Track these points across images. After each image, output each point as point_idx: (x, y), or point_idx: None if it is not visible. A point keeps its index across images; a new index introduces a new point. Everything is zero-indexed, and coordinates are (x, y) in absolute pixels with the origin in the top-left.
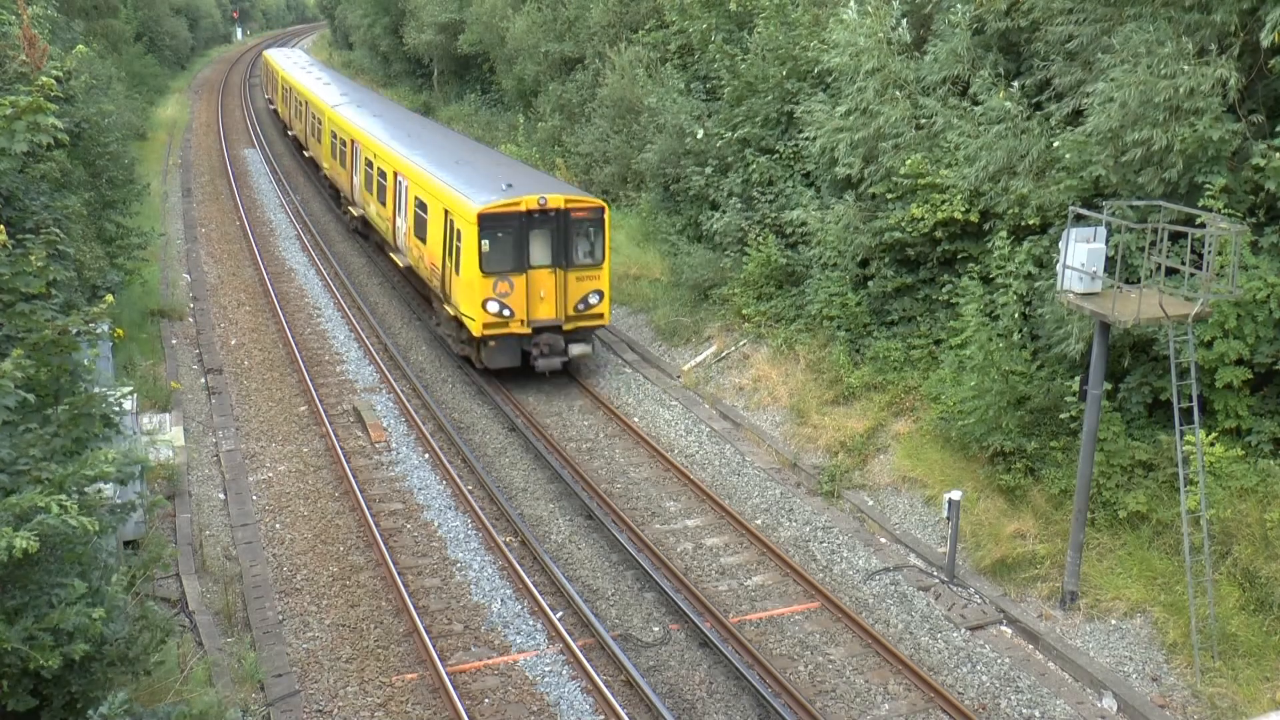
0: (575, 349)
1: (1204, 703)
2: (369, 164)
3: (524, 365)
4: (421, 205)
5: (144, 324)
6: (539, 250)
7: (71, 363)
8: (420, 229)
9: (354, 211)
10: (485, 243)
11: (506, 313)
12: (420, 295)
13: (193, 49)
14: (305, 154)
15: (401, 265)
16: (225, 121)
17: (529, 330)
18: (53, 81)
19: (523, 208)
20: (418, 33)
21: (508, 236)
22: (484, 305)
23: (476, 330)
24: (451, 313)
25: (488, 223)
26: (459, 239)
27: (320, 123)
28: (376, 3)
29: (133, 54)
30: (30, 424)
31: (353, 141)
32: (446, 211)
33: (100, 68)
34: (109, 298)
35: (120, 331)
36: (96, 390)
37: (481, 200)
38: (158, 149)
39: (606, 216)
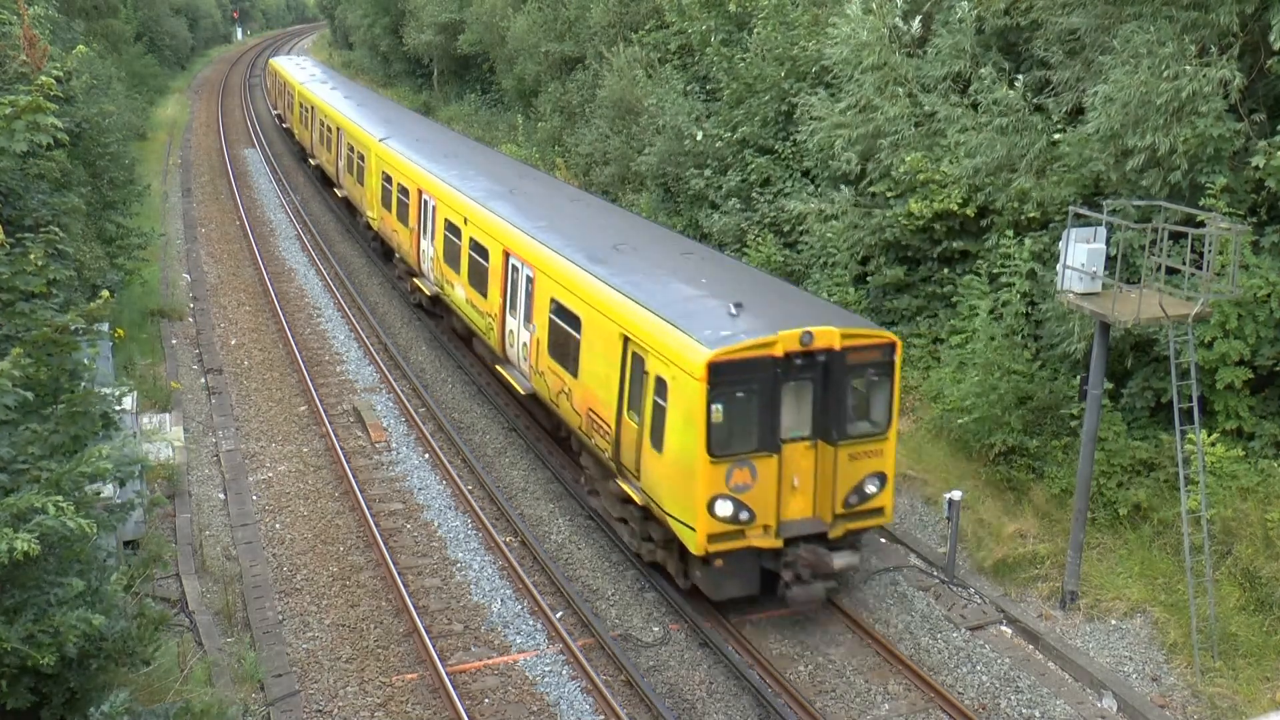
0: (840, 560)
1: (1204, 703)
2: (453, 230)
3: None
4: (565, 314)
5: (144, 324)
6: (795, 414)
7: (71, 362)
8: (563, 349)
9: (422, 286)
10: (718, 408)
11: (744, 516)
12: (541, 424)
13: (193, 49)
14: (337, 192)
15: (522, 390)
16: (225, 121)
17: (778, 541)
18: (52, 81)
19: (778, 350)
20: (418, 33)
21: (752, 396)
22: (710, 507)
23: (696, 545)
24: (636, 498)
25: (724, 377)
26: (663, 394)
27: (364, 159)
28: (376, 3)
29: (133, 54)
30: (30, 423)
31: (420, 192)
32: (628, 340)
33: (100, 68)
34: (105, 294)
35: (120, 331)
36: (95, 389)
37: (709, 338)
38: (158, 149)
39: (897, 357)
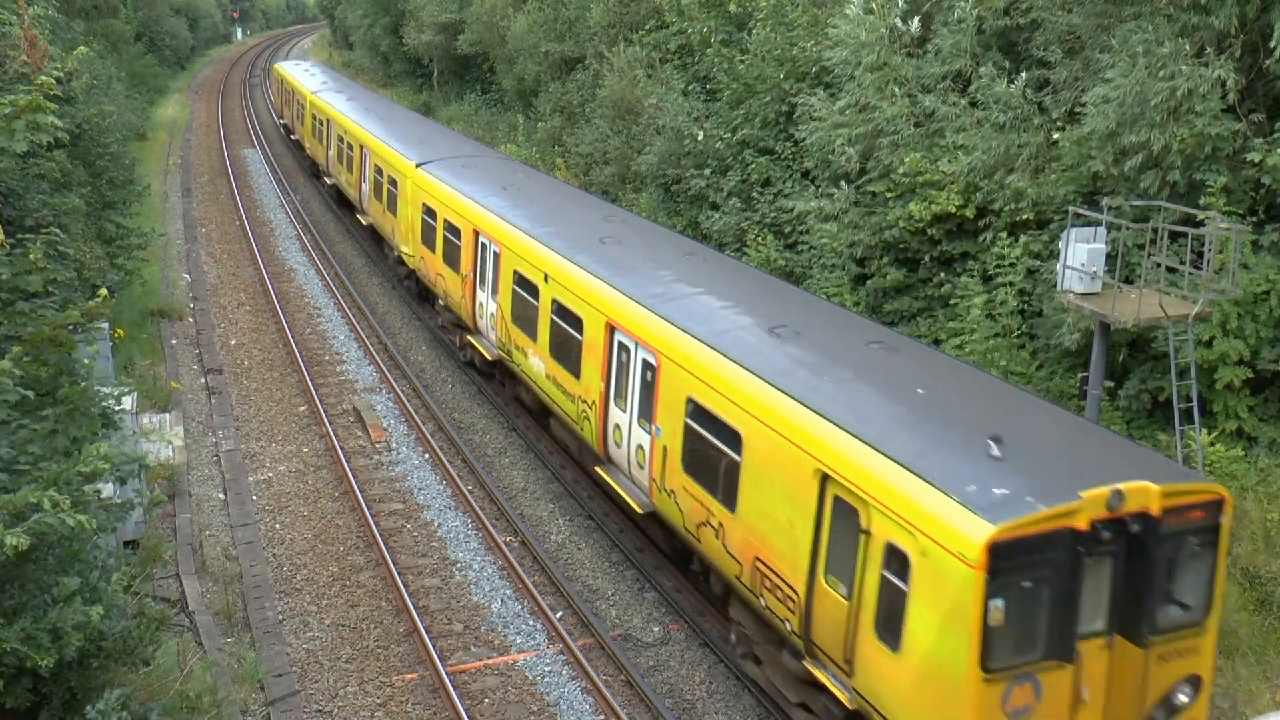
0: None
1: None
2: (527, 286)
3: None
4: (713, 423)
5: (144, 324)
6: (1091, 604)
7: (69, 361)
8: (708, 469)
9: (480, 347)
10: (998, 605)
11: None
12: (656, 544)
13: (193, 49)
14: (360, 219)
15: (639, 508)
16: (225, 121)
17: None
18: (52, 81)
19: (1082, 520)
20: (417, 33)
21: (1043, 587)
22: None
23: None
24: (844, 700)
25: (1011, 562)
26: (900, 570)
27: (395, 184)
28: (376, 3)
29: (133, 54)
30: (28, 422)
31: (476, 233)
32: (828, 480)
33: (100, 68)
34: (102, 292)
35: (120, 331)
36: (94, 388)
37: (981, 500)
38: (158, 149)
39: (1225, 519)
